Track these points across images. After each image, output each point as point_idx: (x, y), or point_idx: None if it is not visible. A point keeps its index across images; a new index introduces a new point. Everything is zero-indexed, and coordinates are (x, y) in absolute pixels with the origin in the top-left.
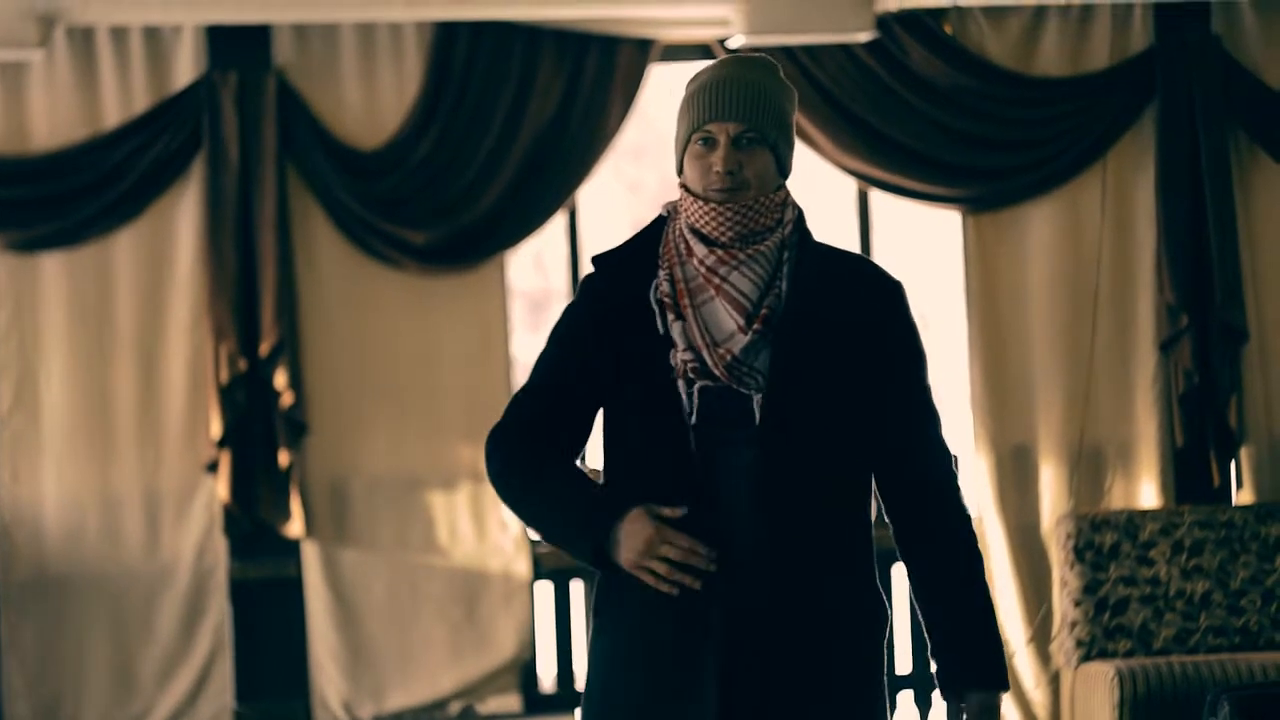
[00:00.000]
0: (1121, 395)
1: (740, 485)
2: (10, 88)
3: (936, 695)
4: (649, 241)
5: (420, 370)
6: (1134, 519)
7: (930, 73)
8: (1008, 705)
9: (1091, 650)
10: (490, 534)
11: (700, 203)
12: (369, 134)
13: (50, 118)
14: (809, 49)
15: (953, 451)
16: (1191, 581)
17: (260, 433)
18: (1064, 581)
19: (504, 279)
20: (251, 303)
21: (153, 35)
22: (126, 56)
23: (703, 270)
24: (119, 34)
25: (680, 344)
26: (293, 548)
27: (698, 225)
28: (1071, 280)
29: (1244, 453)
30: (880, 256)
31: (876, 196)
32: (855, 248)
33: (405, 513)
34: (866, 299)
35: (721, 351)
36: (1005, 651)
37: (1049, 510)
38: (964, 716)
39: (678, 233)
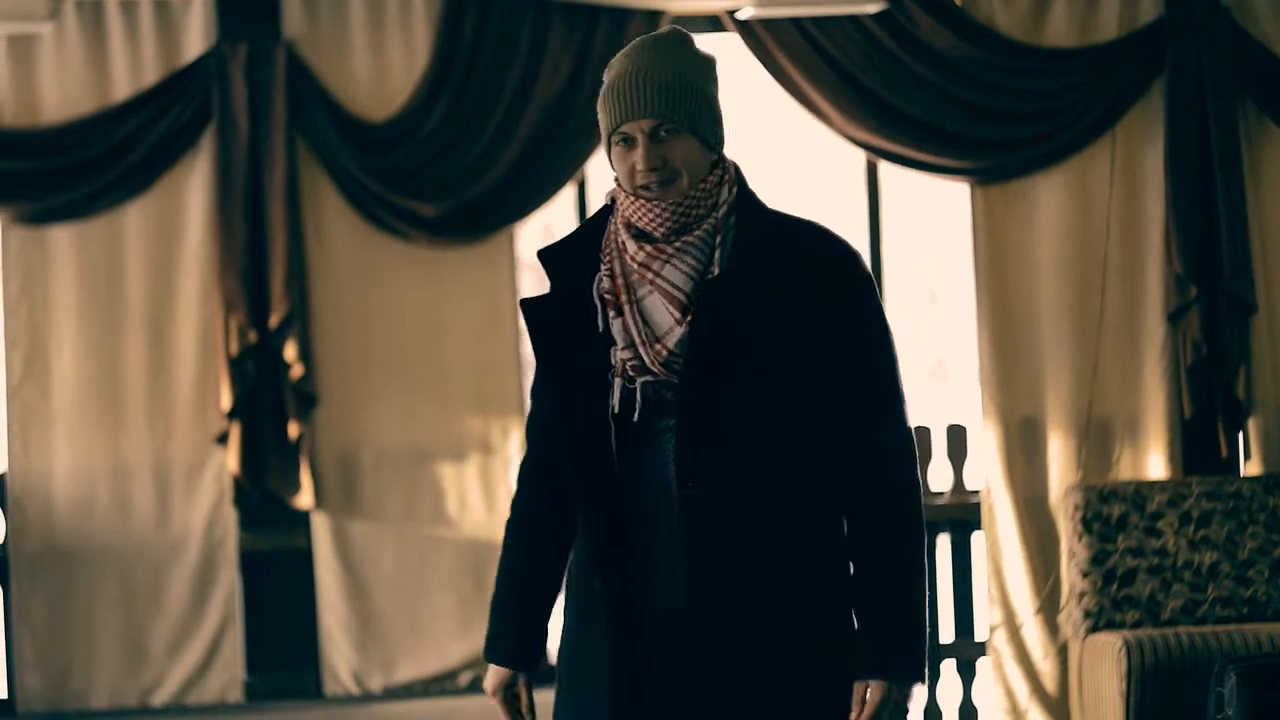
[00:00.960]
0: (1130, 366)
1: (665, 478)
2: (20, 60)
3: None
4: (594, 232)
5: (429, 342)
6: (1142, 490)
7: (939, 44)
8: (1016, 676)
9: (1099, 621)
10: (499, 505)
11: (633, 199)
12: (378, 106)
13: (60, 90)
14: (818, 20)
15: (910, 427)
16: (1199, 552)
17: (270, 404)
18: (1072, 553)
19: (513, 251)
20: (261, 275)
21: (162, 7)
22: (136, 29)
23: (635, 266)
24: (128, 6)
25: (620, 341)
26: (302, 519)
27: (634, 220)
28: (1080, 252)
29: (1252, 424)
30: (889, 228)
31: (885, 168)
32: (864, 220)
33: (414, 484)
34: (812, 268)
35: (658, 347)
36: (923, 644)
37: (1057, 481)
38: (865, 702)
39: (617, 226)
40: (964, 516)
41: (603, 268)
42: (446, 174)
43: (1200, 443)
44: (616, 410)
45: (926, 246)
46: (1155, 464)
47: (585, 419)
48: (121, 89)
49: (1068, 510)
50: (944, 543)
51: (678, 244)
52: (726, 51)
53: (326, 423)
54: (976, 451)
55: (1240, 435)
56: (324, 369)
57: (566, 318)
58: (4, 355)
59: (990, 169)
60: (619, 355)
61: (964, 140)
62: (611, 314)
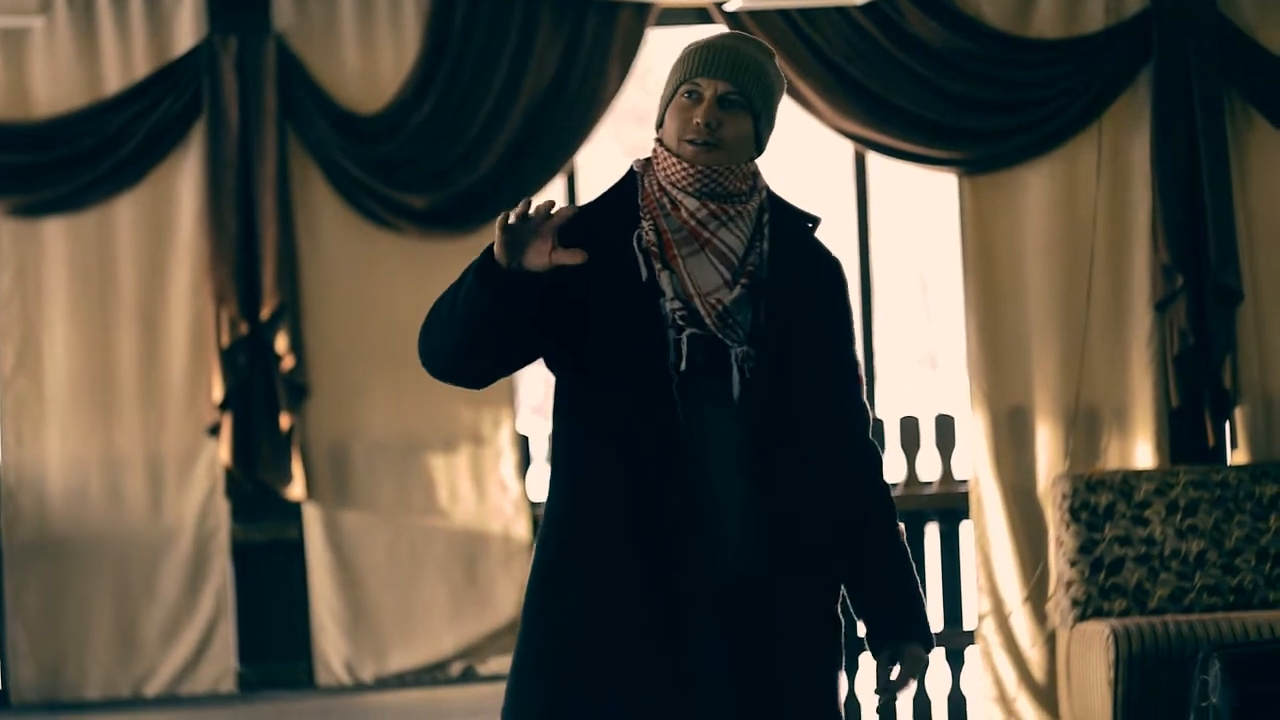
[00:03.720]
0: (1117, 356)
1: (725, 440)
2: (11, 53)
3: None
4: (623, 195)
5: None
6: (1129, 479)
7: (926, 35)
8: (1005, 664)
9: (1087, 610)
10: (490, 496)
11: (674, 159)
12: (368, 98)
13: (51, 83)
14: (805, 12)
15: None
16: (1186, 541)
17: (261, 396)
18: (1060, 541)
19: None
20: (252, 267)
21: (152, 0)
22: (127, 22)
23: (692, 223)
24: None
25: (669, 293)
26: (294, 510)
27: (672, 178)
28: (1067, 241)
29: (1238, 413)
30: (877, 219)
31: (873, 159)
32: (852, 210)
33: (405, 475)
34: (822, 267)
35: (713, 301)
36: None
37: (1045, 471)
38: (896, 668)
39: (656, 187)
40: (952, 505)
41: (645, 223)
42: (437, 166)
43: (1187, 432)
44: (682, 365)
45: (914, 237)
46: (1142, 453)
47: (635, 369)
48: (112, 82)
49: (1055, 499)
50: (932, 532)
51: (739, 208)
52: None
53: (318, 414)
54: (964, 440)
55: (1227, 424)
56: (315, 360)
57: (599, 271)
58: None
59: (977, 159)
60: (669, 305)
61: (951, 131)
62: (657, 266)
